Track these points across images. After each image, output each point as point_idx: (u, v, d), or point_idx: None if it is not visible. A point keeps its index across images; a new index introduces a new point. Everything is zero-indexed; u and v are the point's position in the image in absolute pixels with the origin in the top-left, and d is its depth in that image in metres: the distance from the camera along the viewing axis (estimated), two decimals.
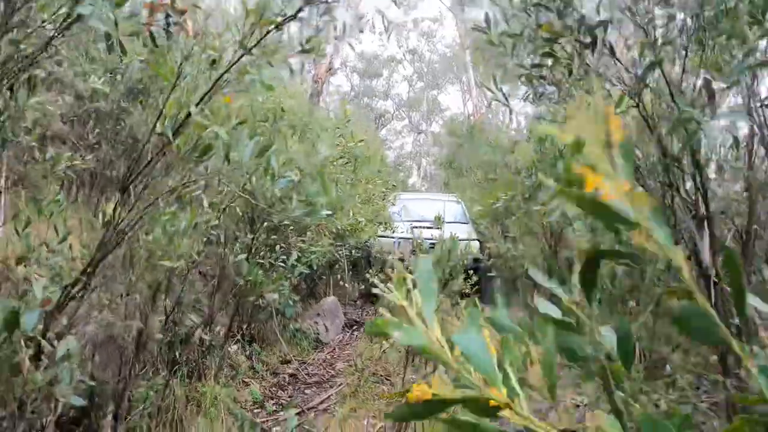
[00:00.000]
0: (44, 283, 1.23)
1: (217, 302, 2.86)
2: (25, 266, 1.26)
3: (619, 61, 1.13)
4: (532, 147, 2.83)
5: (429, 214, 5.06)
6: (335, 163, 2.55)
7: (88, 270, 1.35)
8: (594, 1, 1.24)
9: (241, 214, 2.47)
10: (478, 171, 6.08)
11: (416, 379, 2.40)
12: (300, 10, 1.20)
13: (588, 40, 1.09)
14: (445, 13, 16.34)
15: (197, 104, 1.30)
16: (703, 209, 1.42)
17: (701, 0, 1.13)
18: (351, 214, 2.47)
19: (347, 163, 2.88)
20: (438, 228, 3.65)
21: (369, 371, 2.92)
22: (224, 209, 2.22)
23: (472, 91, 14.92)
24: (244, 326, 3.31)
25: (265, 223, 2.65)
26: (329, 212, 1.72)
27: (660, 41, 1.13)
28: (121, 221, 1.40)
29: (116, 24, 1.25)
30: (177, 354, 2.44)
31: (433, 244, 3.25)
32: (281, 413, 2.74)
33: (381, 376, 2.91)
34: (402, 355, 3.11)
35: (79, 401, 1.42)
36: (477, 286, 3.04)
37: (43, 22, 1.31)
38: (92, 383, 1.74)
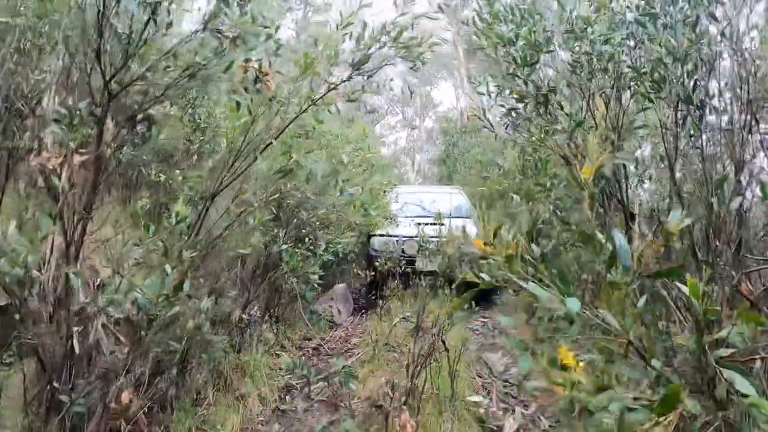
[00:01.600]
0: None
1: (254, 287, 3.47)
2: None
3: (563, 113, 1.76)
4: (516, 153, 3.46)
5: (432, 207, 5.21)
6: (356, 170, 3.17)
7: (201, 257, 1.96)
8: (551, 72, 1.89)
9: (275, 212, 3.09)
10: (471, 169, 6.72)
11: (422, 347, 3.02)
12: (349, 77, 1.81)
13: (541, 100, 1.73)
14: (439, 10, 16.80)
15: (276, 137, 1.92)
16: (634, 209, 2.08)
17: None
18: (367, 212, 3.07)
19: (365, 170, 3.51)
20: (441, 224, 3.78)
21: (381, 343, 3.56)
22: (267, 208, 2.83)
23: (465, 86, 15.55)
24: (271, 309, 3.93)
25: (295, 220, 3.27)
26: (372, 214, 2.36)
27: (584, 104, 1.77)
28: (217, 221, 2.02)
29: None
30: (228, 329, 3.06)
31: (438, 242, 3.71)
32: (309, 377, 3.37)
33: (392, 346, 3.56)
34: (407, 331, 3.76)
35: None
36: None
37: (166, 68, 1.90)
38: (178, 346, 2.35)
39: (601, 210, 1.96)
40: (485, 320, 4.54)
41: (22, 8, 2.84)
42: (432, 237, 4.17)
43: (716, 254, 1.59)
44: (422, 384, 2.60)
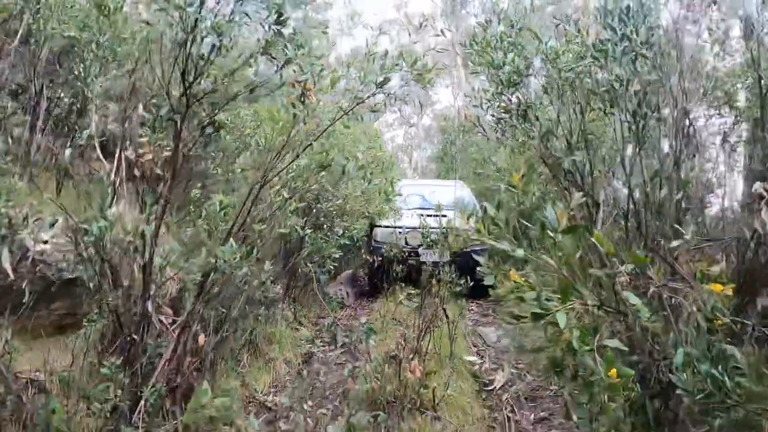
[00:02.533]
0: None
1: (276, 269, 4.03)
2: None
3: (539, 123, 2.35)
4: (507, 153, 4.06)
5: (434, 200, 5.09)
6: (370, 167, 3.73)
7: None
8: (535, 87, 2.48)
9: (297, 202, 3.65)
10: (468, 167, 7.29)
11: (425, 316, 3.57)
12: (373, 94, 2.38)
13: (522, 113, 2.31)
14: (437, 9, 17.42)
15: (316, 139, 2.49)
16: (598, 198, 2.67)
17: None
18: (378, 203, 3.63)
19: (377, 167, 4.08)
20: (443, 216, 3.89)
21: (389, 318, 4.14)
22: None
23: (462, 85, 16.16)
24: (289, 290, 4.50)
25: (314, 210, 3.84)
26: (392, 200, 2.93)
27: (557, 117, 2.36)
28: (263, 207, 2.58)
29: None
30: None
31: (444, 232, 4.01)
32: (326, 347, 3.95)
33: (398, 321, 4.14)
34: (411, 309, 4.33)
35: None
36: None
37: (231, 82, 2.46)
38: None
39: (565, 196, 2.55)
40: (479, 303, 5.14)
41: (87, 23, 3.38)
42: (434, 228, 4.32)
43: (649, 229, 2.19)
44: (426, 345, 3.18)
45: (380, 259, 4.93)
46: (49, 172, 3.87)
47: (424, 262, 4.52)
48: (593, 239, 1.42)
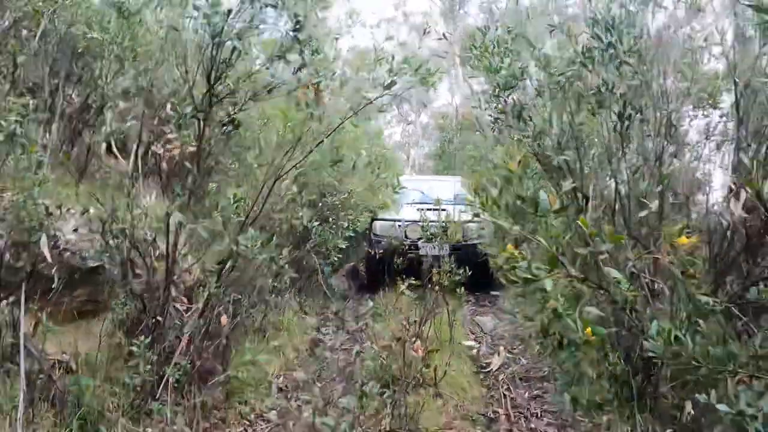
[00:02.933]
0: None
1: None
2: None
3: (532, 125, 2.59)
4: (504, 151, 4.29)
5: (433, 195, 5.07)
6: (376, 162, 3.96)
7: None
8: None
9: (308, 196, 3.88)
10: (465, 164, 7.53)
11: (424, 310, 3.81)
12: (381, 95, 2.62)
13: (516, 114, 2.56)
14: (435, 8, 17.64)
15: (327, 136, 2.72)
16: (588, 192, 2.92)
17: None
18: (381, 197, 3.86)
19: (381, 162, 4.32)
20: (442, 209, 3.91)
21: (390, 307, 4.38)
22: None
23: (460, 83, 16.42)
24: (295, 281, 4.73)
25: (320, 204, 4.07)
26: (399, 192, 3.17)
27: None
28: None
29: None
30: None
31: (443, 225, 4.21)
32: (331, 334, 4.19)
33: (398, 310, 4.37)
34: (411, 300, 4.56)
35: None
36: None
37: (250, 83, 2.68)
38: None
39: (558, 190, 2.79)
40: (476, 295, 5.38)
41: (102, 23, 3.58)
42: (434, 221, 4.40)
43: (632, 218, 2.44)
44: (427, 331, 3.42)
45: (380, 252, 5.03)
46: (64, 167, 4.07)
47: (424, 255, 4.75)
48: (579, 222, 1.66)
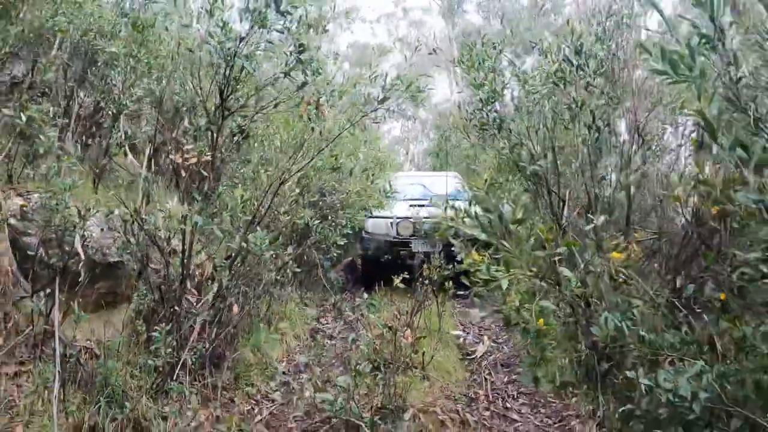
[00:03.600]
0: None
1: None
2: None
3: (511, 133, 2.92)
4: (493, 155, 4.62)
5: (428, 191, 5.35)
6: (371, 168, 4.30)
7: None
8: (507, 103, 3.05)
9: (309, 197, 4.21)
10: (461, 162, 7.86)
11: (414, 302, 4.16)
12: (375, 109, 2.95)
13: (497, 126, 2.89)
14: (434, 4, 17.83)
15: (327, 145, 3.05)
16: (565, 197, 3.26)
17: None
18: (377, 198, 4.20)
19: (376, 165, 4.64)
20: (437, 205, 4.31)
21: (384, 301, 4.73)
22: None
23: (459, 80, 16.65)
24: (296, 275, 5.08)
25: (320, 203, 4.41)
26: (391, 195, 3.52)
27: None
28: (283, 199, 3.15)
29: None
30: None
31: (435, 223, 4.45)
32: (329, 323, 4.55)
33: (392, 301, 4.73)
34: (403, 293, 4.92)
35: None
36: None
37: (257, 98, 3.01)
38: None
39: (536, 195, 3.14)
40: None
41: (114, 32, 3.89)
42: (426, 218, 4.66)
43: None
44: (417, 321, 3.78)
45: (372, 251, 5.18)
46: (83, 170, 4.40)
47: (416, 252, 4.97)
48: (538, 230, 2.01)
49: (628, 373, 1.84)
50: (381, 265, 5.08)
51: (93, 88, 4.52)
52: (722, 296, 1.72)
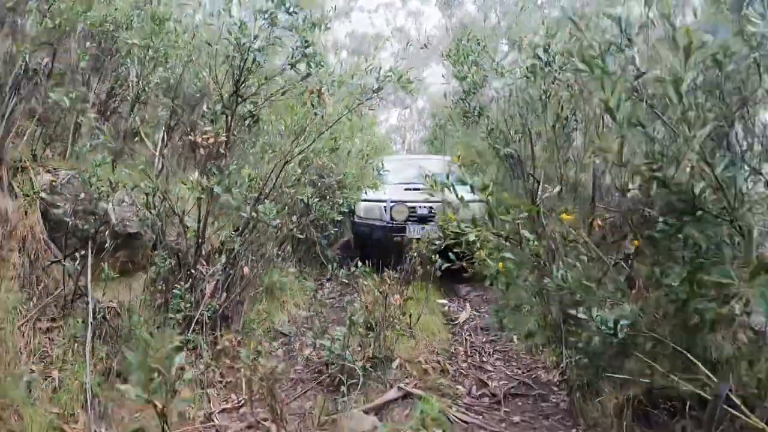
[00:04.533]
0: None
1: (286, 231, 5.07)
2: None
3: (498, 127, 3.40)
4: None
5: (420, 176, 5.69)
6: (366, 150, 4.75)
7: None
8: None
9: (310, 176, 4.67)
10: (454, 149, 8.31)
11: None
12: (370, 98, 3.40)
13: (477, 115, 3.36)
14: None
15: (328, 129, 3.51)
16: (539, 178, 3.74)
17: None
18: (371, 178, 4.66)
19: (371, 149, 5.10)
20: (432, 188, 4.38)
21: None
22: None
23: (446, 72, 17.06)
24: (294, 252, 5.55)
25: (319, 183, 4.87)
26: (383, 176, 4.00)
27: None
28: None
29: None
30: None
31: (430, 208, 4.57)
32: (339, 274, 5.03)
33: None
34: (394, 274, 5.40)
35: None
36: None
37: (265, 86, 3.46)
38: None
39: (513, 176, 3.62)
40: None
41: (129, 22, 4.30)
42: (420, 202, 4.68)
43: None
44: (407, 291, 4.26)
45: (363, 238, 5.15)
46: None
47: (412, 239, 5.03)
48: (502, 198, 2.48)
49: (571, 311, 2.33)
50: (375, 253, 4.83)
51: (108, 76, 4.94)
52: (636, 242, 2.21)
